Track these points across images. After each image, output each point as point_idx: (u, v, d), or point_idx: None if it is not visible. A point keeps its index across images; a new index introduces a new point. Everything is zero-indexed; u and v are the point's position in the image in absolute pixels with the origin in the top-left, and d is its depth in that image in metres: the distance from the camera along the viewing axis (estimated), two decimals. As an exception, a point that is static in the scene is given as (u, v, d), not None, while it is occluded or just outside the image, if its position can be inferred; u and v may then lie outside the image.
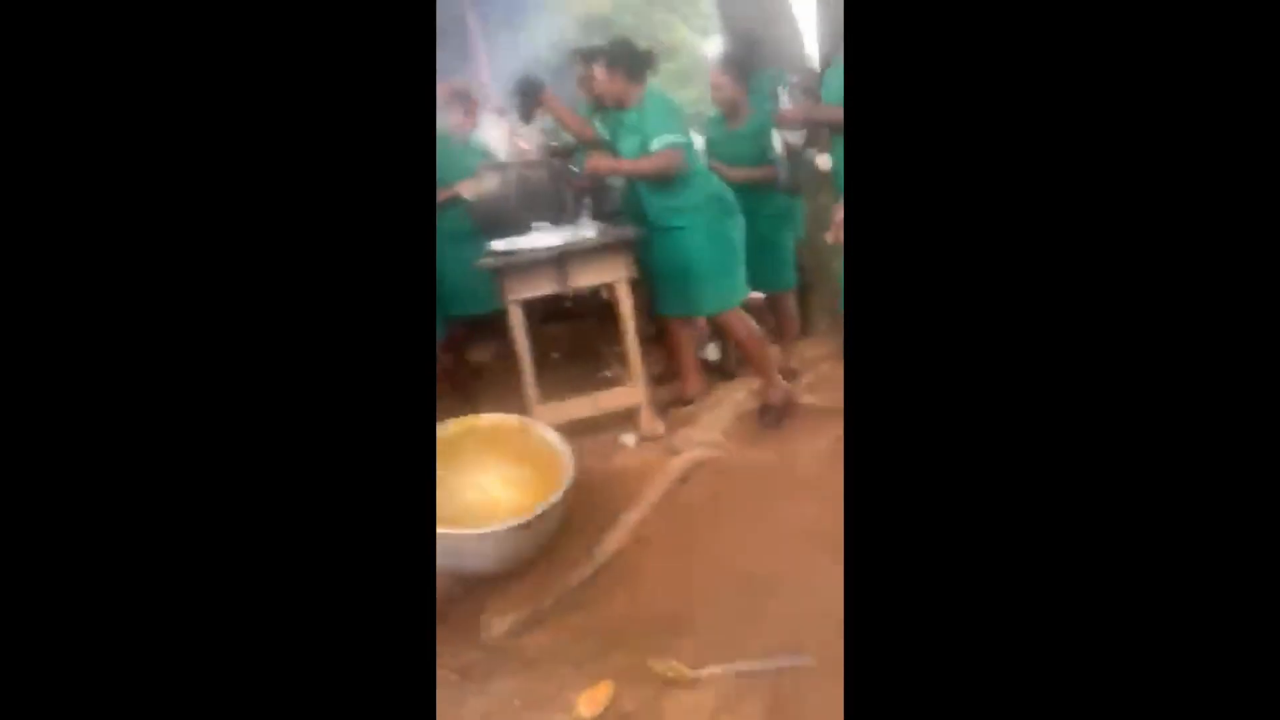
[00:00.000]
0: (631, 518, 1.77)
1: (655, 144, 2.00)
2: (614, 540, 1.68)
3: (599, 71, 2.08)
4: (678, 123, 2.05)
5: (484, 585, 1.55)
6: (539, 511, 1.47)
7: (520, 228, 2.12)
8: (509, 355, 2.56)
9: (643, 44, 2.16)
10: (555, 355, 3.06)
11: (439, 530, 1.44)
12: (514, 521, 1.47)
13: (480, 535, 1.47)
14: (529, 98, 2.17)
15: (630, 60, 2.07)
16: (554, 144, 2.47)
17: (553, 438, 1.73)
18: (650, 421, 2.16)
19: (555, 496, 1.52)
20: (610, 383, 2.48)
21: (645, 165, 2.03)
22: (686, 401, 2.38)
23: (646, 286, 2.31)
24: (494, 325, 2.41)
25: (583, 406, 2.14)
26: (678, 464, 1.97)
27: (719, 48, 2.74)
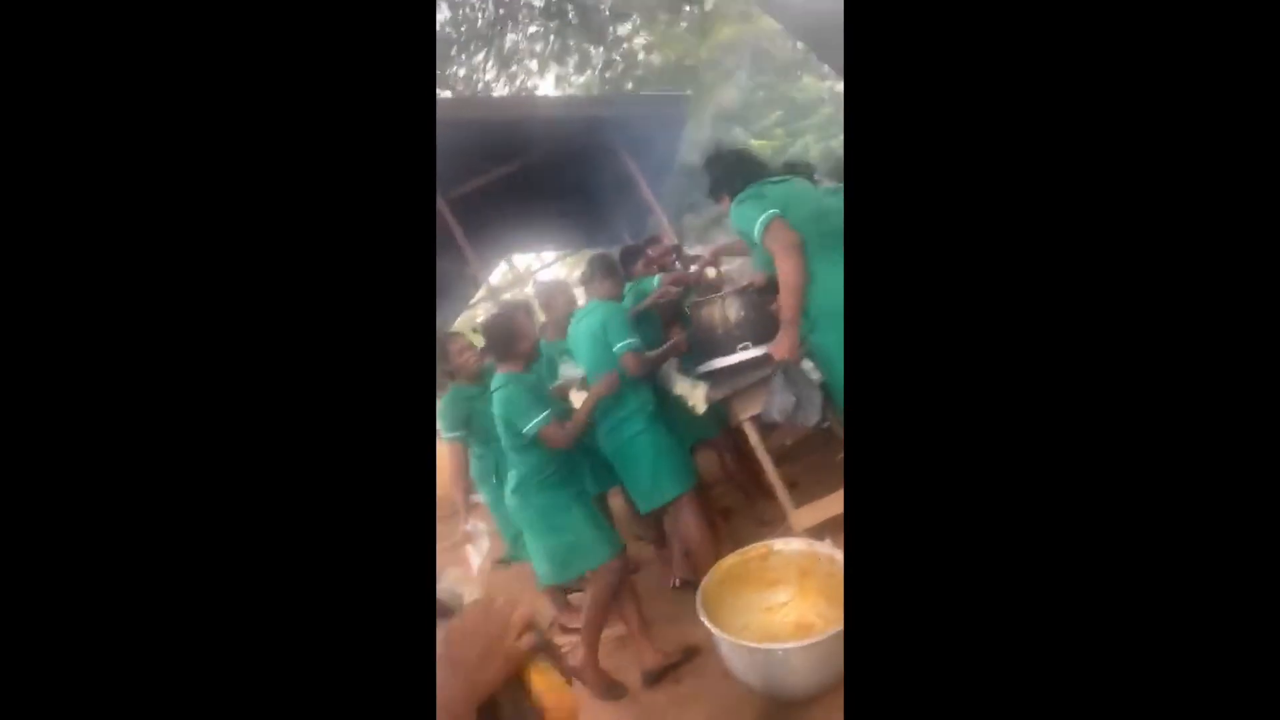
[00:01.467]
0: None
1: None
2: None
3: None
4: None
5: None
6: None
7: (729, 350, 2.33)
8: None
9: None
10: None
11: (752, 644, 1.47)
12: (834, 630, 1.41)
13: (804, 648, 1.42)
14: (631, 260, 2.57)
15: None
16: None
17: (841, 558, 1.71)
18: (799, 521, 2.17)
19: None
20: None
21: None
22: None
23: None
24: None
25: (838, 502, 2.20)
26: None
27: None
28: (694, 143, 9.25)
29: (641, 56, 9.31)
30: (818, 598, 1.77)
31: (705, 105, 9.56)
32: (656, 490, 2.20)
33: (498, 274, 9.70)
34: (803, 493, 2.37)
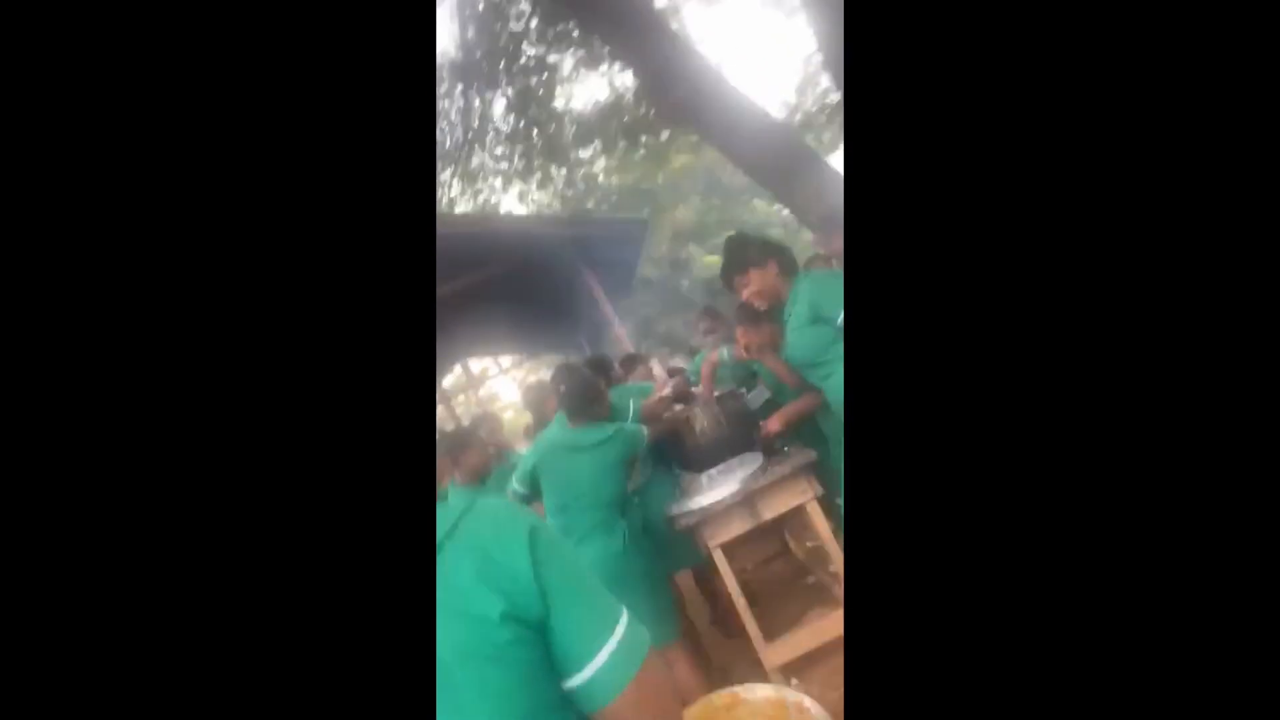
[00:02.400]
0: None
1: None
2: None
3: (754, 275, 1.90)
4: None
5: None
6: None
7: (709, 463, 2.30)
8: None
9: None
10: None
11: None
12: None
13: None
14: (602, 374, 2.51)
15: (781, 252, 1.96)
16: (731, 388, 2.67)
17: (810, 705, 1.64)
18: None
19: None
20: (823, 595, 2.44)
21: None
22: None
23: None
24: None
25: (809, 637, 2.11)
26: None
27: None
28: (652, 260, 9.64)
29: (601, 179, 9.86)
30: None
31: (663, 224, 10.07)
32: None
33: (450, 378, 9.59)
34: (771, 623, 2.27)
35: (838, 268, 2.11)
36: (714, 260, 11.17)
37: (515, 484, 2.21)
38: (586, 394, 2.12)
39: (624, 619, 0.61)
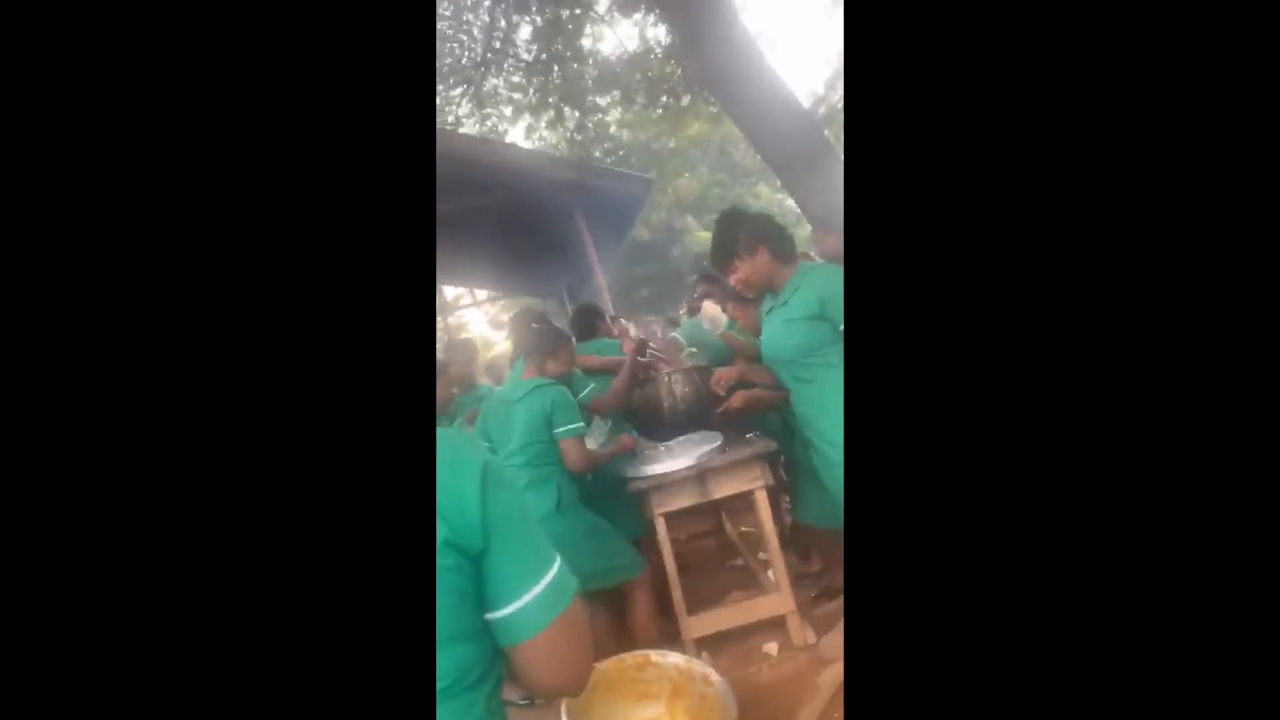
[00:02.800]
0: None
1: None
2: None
3: (741, 265, 1.79)
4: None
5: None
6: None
7: (670, 435, 2.32)
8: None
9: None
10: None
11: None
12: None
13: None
14: (588, 323, 2.49)
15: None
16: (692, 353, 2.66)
17: (716, 680, 1.67)
18: (799, 630, 2.16)
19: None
20: (746, 578, 2.51)
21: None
22: (834, 591, 2.36)
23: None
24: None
25: (731, 616, 2.18)
26: (828, 680, 1.94)
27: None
28: (647, 222, 9.52)
29: (613, 130, 9.64)
30: (685, 718, 1.72)
31: (665, 189, 9.94)
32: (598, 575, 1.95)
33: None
34: (693, 596, 2.32)
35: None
36: (707, 236, 11.09)
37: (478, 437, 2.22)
38: (547, 344, 2.12)
39: (555, 565, 0.65)
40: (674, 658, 1.76)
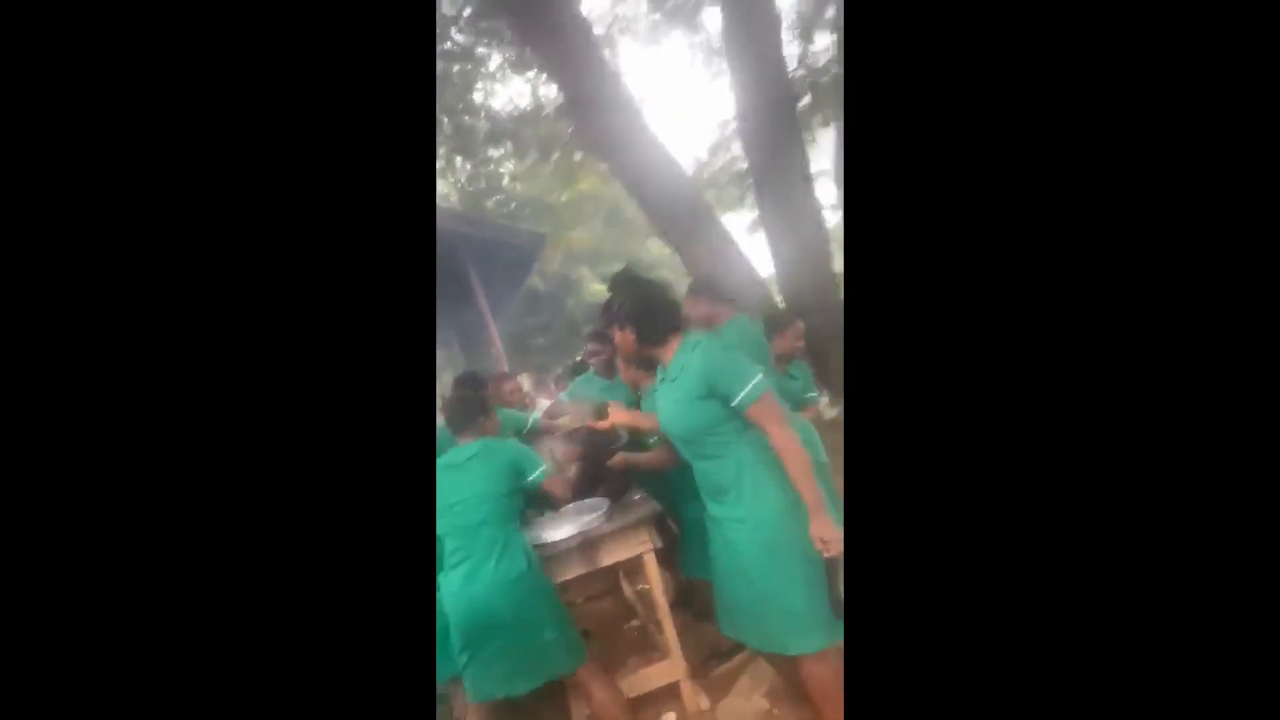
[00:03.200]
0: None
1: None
2: None
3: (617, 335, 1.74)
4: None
5: None
6: None
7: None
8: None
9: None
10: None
11: None
12: None
13: None
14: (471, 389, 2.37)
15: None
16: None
17: None
18: (693, 697, 2.12)
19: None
20: (644, 640, 2.46)
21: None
22: (725, 654, 2.35)
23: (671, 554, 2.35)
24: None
25: (628, 687, 2.11)
26: (730, 747, 1.92)
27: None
28: (542, 273, 9.52)
29: (505, 183, 9.66)
30: None
31: (559, 242, 10.02)
32: (545, 659, 1.81)
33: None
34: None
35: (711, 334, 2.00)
36: (602, 289, 11.25)
37: None
38: (469, 410, 2.02)
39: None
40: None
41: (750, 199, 6.62)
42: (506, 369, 5.12)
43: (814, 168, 3.86)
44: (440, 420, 2.14)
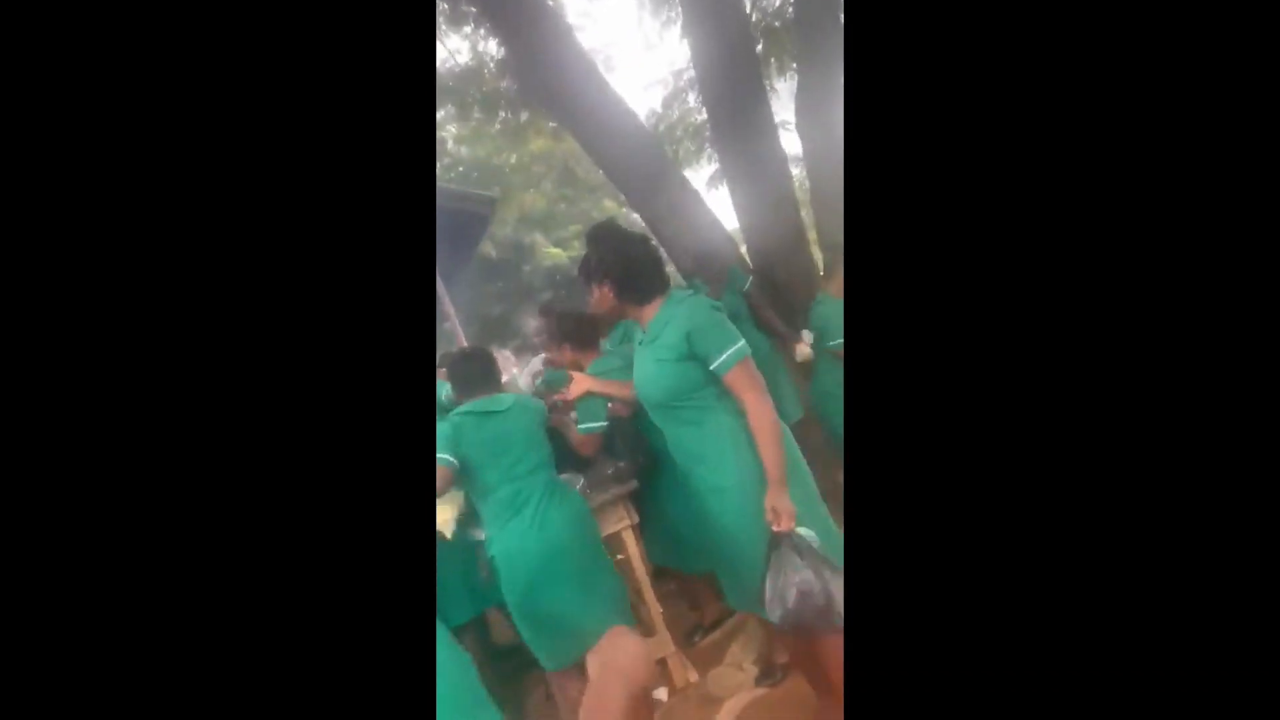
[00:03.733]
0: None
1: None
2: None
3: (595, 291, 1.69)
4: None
5: None
6: None
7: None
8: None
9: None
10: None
11: None
12: None
13: None
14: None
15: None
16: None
17: None
18: (681, 671, 2.08)
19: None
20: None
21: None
22: (709, 626, 2.31)
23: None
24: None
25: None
26: (723, 717, 1.88)
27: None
28: (494, 240, 9.22)
29: (450, 145, 9.22)
30: None
31: (510, 206, 9.68)
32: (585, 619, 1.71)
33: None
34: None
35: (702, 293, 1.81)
36: (556, 253, 10.97)
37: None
38: (480, 370, 1.92)
39: None
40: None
41: (709, 152, 6.42)
42: (465, 342, 4.93)
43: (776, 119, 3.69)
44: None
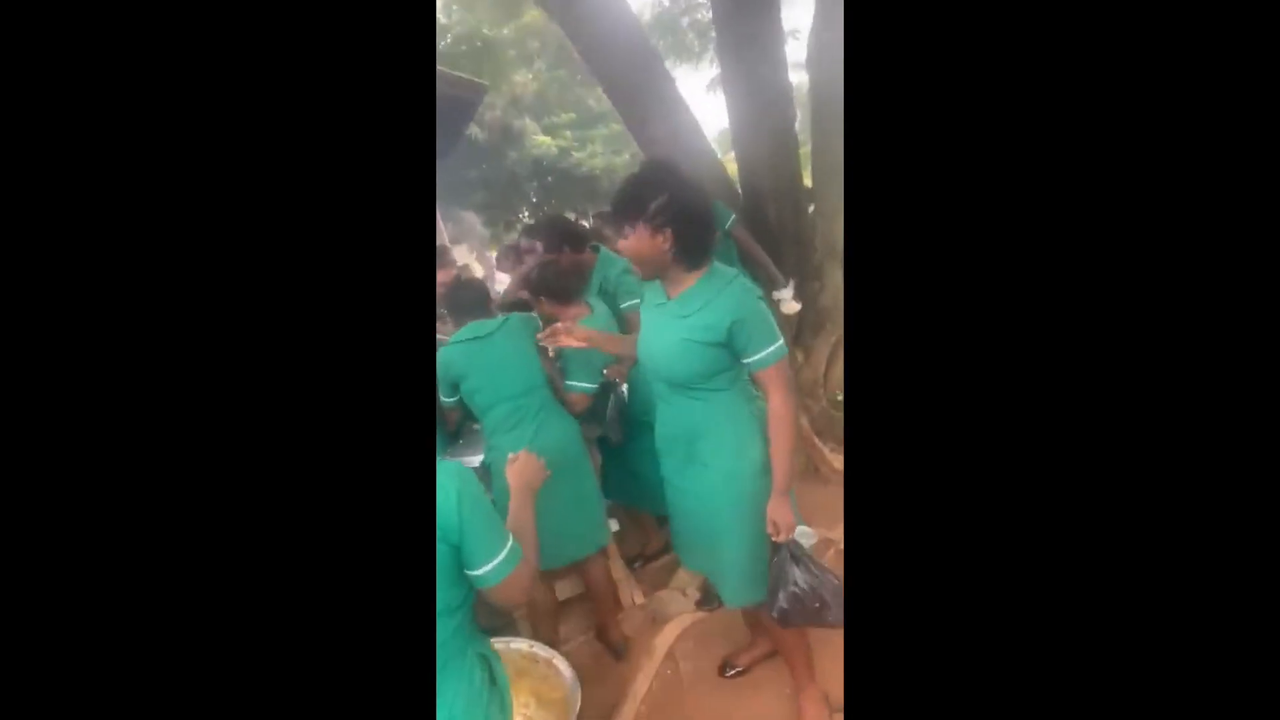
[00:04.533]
0: (627, 713, 1.83)
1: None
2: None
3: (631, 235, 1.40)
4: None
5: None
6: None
7: None
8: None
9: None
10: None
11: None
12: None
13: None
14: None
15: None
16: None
17: (559, 662, 1.73)
18: (628, 592, 2.22)
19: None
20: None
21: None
22: (649, 557, 2.45)
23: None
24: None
25: (566, 588, 2.18)
26: (662, 641, 2.03)
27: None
28: (480, 122, 8.73)
29: (437, 12, 8.51)
30: (529, 696, 1.76)
31: (500, 86, 9.10)
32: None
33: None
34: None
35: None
36: (545, 140, 10.44)
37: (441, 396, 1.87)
38: (470, 295, 1.90)
39: (509, 543, 1.08)
40: (518, 644, 1.80)
41: (711, 54, 5.99)
42: (446, 239, 4.79)
43: (786, 26, 3.39)
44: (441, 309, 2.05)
